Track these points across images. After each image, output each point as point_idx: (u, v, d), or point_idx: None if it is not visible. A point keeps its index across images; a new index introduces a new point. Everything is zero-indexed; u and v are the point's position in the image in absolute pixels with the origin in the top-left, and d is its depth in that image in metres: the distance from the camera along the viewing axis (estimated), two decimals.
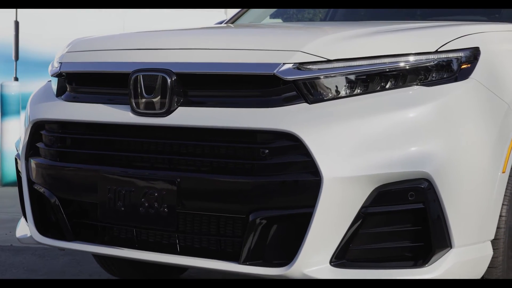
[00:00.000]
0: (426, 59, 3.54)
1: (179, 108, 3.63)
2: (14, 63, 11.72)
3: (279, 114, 3.45)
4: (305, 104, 3.47)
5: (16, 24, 11.39)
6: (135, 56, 3.80)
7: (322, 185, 3.34)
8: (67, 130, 3.93)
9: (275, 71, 3.47)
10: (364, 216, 3.38)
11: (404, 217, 3.41)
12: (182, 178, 3.55)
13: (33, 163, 4.02)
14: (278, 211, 3.42)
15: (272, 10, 6.02)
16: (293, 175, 3.40)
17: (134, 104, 3.69)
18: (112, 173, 3.72)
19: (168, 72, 3.64)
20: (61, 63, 4.08)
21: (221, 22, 5.63)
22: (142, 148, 3.72)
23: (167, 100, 3.62)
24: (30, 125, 4.05)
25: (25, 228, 4.17)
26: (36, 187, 4.05)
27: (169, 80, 3.63)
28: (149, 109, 3.66)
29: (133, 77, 3.70)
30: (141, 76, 3.69)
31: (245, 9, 5.62)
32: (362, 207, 3.38)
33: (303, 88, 3.47)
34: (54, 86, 4.15)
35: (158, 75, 3.65)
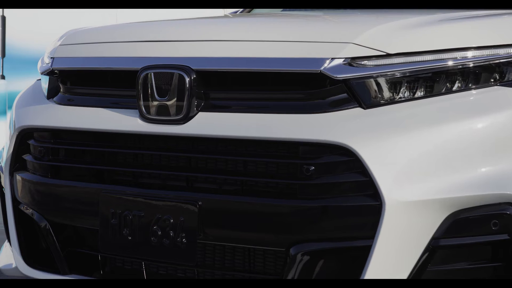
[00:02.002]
0: (506, 54, 2.84)
1: (200, 113, 2.93)
2: (1, 60, 10.98)
3: (326, 121, 2.76)
4: (358, 109, 2.78)
5: (3, 18, 10.66)
6: (144, 50, 3.11)
7: (383, 211, 2.66)
8: (60, 140, 3.25)
9: (321, 68, 2.78)
10: (434, 250, 2.71)
11: (485, 251, 2.72)
12: (204, 200, 2.86)
13: (19, 178, 3.33)
14: (327, 243, 2.75)
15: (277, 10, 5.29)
16: (345, 198, 2.73)
17: (143, 108, 3.00)
18: (116, 193, 3.04)
19: (186, 69, 2.94)
20: (52, 58, 3.37)
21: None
22: (154, 163, 3.04)
23: (184, 103, 2.93)
24: (16, 133, 3.35)
25: (9, 256, 3.47)
26: (22, 208, 3.36)
27: (187, 79, 2.93)
28: (162, 115, 2.97)
29: (142, 76, 3.01)
30: (152, 74, 2.99)
31: (248, 9, 4.87)
32: (433, 238, 2.70)
33: (356, 89, 2.78)
34: (45, 85, 3.45)
35: (173, 73, 2.96)
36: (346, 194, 2.72)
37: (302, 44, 2.87)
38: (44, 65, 3.46)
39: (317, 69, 2.79)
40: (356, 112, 2.78)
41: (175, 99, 2.96)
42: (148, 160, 3.07)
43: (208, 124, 2.92)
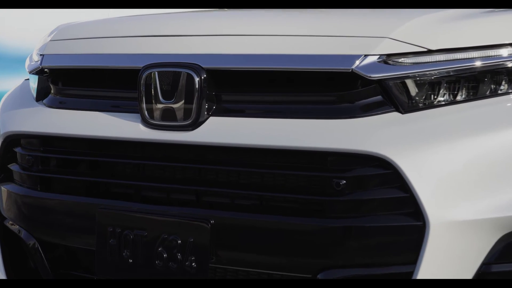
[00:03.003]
0: None
1: (211, 118, 2.56)
2: None
3: (359, 128, 2.39)
4: (395, 114, 2.42)
5: None
6: (147, 46, 2.73)
7: (426, 232, 2.31)
8: (51, 148, 2.88)
9: (353, 67, 2.41)
10: (485, 277, 2.33)
11: None
12: (217, 218, 2.49)
13: (4, 191, 2.97)
14: (360, 270, 2.39)
15: None
16: (382, 218, 2.36)
17: (146, 112, 2.62)
18: (116, 209, 2.67)
19: (195, 68, 2.57)
20: (42, 55, 2.99)
21: None
22: (158, 175, 2.67)
23: (193, 107, 2.55)
24: (0, 140, 2.97)
25: None
26: (8, 224, 2.99)
27: (196, 79, 2.55)
28: (167, 120, 2.59)
29: (144, 75, 2.63)
30: (156, 73, 2.62)
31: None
32: (483, 263, 2.35)
33: (393, 90, 2.42)
34: (33, 86, 3.07)
35: (180, 72, 2.59)
36: (383, 212, 2.36)
37: (330, 39, 2.50)
38: (32, 63, 3.08)
39: (348, 68, 2.42)
40: (393, 117, 2.42)
41: (183, 102, 2.58)
42: (151, 171, 2.69)
43: (221, 130, 2.55)
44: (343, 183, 2.37)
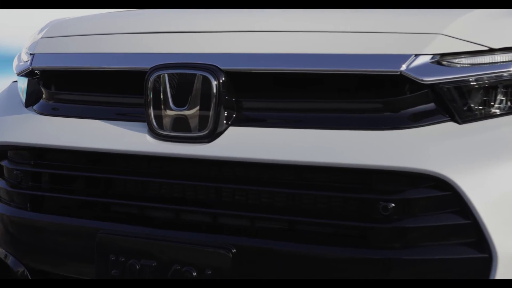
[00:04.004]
0: None
1: (231, 128, 2.19)
2: None
3: (409, 140, 2.02)
4: (451, 124, 2.05)
5: None
6: (155, 43, 2.35)
7: (494, 266, 1.96)
8: (43, 162, 2.51)
9: (402, 69, 2.03)
10: None
11: None
12: (240, 246, 2.12)
13: None
14: None
15: None
16: (438, 249, 2.00)
17: (154, 121, 2.25)
18: (119, 234, 2.31)
19: (213, 70, 2.19)
20: (32, 54, 2.60)
21: None
22: (169, 194, 2.29)
23: (210, 115, 2.18)
24: None
25: None
26: None
27: (214, 83, 2.18)
28: (179, 130, 2.22)
29: (152, 77, 2.25)
30: (166, 75, 2.24)
31: None
32: None
33: (449, 96, 2.05)
34: (22, 89, 2.68)
35: (195, 74, 2.21)
36: (439, 242, 1.99)
37: (373, 36, 2.12)
38: (21, 63, 2.70)
39: (396, 70, 2.04)
40: (449, 128, 2.05)
41: (197, 109, 2.21)
42: (160, 190, 2.32)
43: (242, 143, 2.18)
44: (391, 207, 2.00)
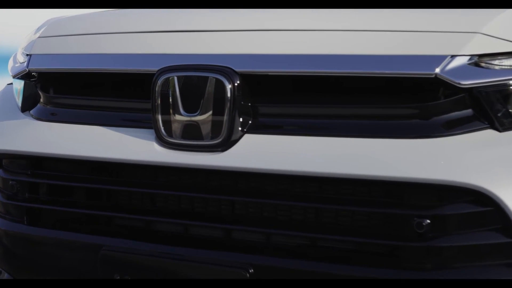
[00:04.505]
0: None
1: (246, 136, 2.01)
2: None
3: (445, 150, 1.84)
4: (491, 132, 1.87)
5: None
6: (163, 43, 2.17)
7: None
8: (40, 171, 2.33)
9: (437, 71, 1.85)
10: None
11: None
12: (258, 267, 1.94)
13: None
14: None
15: None
16: (478, 270, 1.81)
17: (162, 128, 2.06)
18: (124, 251, 2.12)
19: (227, 72, 2.01)
20: (29, 55, 2.41)
21: None
22: (177, 208, 2.11)
23: (224, 121, 1.99)
24: None
25: None
26: None
27: (228, 86, 1.99)
28: (190, 138, 2.04)
29: (160, 81, 2.07)
30: (175, 78, 2.06)
31: None
32: None
33: (488, 101, 1.86)
34: (18, 93, 2.47)
35: (207, 77, 2.03)
36: (479, 263, 1.80)
37: (404, 35, 1.93)
38: (17, 65, 2.51)
39: (430, 73, 1.86)
40: (488, 136, 1.86)
41: (210, 115, 2.02)
42: (168, 203, 2.13)
43: (259, 152, 1.99)
44: (426, 223, 1.81)
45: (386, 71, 1.90)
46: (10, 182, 2.35)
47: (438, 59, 1.86)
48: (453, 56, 1.86)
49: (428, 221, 1.81)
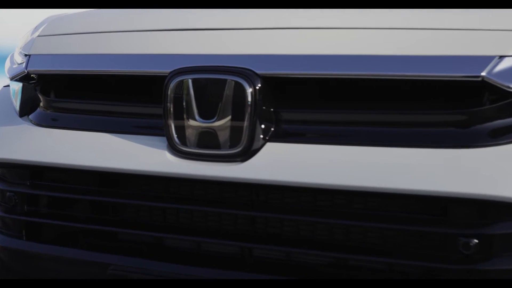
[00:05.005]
0: None
1: (268, 145, 1.82)
2: None
3: (492, 161, 1.65)
4: None
5: None
6: (176, 43, 1.98)
7: None
8: (40, 182, 2.13)
9: (484, 73, 1.65)
10: None
11: None
12: None
13: None
14: None
15: None
16: None
17: (175, 135, 1.88)
18: (131, 270, 1.94)
19: (247, 74, 1.82)
20: (28, 55, 2.22)
21: None
22: (191, 224, 1.92)
23: (244, 129, 1.81)
24: None
25: None
26: None
27: (248, 90, 1.80)
28: (205, 147, 1.85)
29: (173, 83, 1.88)
30: (189, 81, 1.87)
31: None
32: None
33: None
34: (16, 96, 2.27)
35: (225, 80, 1.84)
36: None
37: (447, 34, 1.75)
38: (14, 66, 2.32)
39: (477, 75, 1.67)
40: None
41: (229, 121, 1.84)
42: (181, 218, 1.94)
43: (282, 163, 1.80)
44: (474, 244, 1.62)
45: (426, 74, 1.71)
46: (8, 193, 2.15)
47: (485, 60, 1.67)
48: (501, 57, 1.67)
49: (476, 241, 1.62)
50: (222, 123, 1.85)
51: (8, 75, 2.35)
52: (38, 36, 2.27)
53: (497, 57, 1.67)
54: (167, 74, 1.91)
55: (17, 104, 2.31)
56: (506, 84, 1.66)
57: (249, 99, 1.82)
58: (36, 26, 2.40)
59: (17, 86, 2.32)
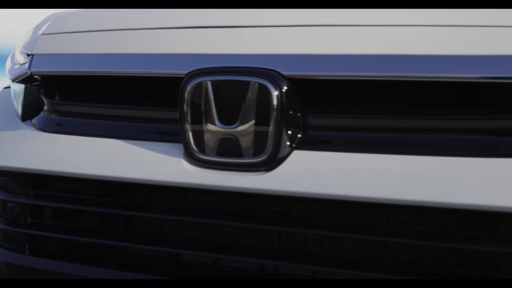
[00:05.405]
0: None
1: (296, 153, 1.67)
2: None
3: None
4: None
5: None
6: (193, 42, 1.81)
7: None
8: (45, 192, 1.97)
9: None
10: None
11: None
12: None
13: None
14: None
15: None
16: None
17: (192, 142, 1.72)
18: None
19: (273, 76, 1.66)
20: (31, 55, 2.06)
21: None
22: (210, 239, 1.76)
23: (270, 135, 1.65)
24: None
25: None
26: None
27: (274, 93, 1.64)
28: (226, 155, 1.70)
29: (190, 86, 1.72)
30: (208, 83, 1.70)
31: None
32: None
33: None
34: (18, 99, 2.12)
35: (248, 82, 1.68)
36: None
37: (484, 30, 1.58)
38: (16, 66, 2.16)
39: None
40: None
41: (252, 127, 1.68)
42: (198, 233, 1.78)
43: (312, 172, 1.64)
44: None
45: (473, 75, 1.55)
46: (9, 204, 2.00)
47: None
48: None
49: None
50: (244, 128, 1.69)
51: (9, 76, 2.19)
52: (42, 34, 2.11)
53: None
54: (183, 76, 1.75)
55: (19, 107, 2.15)
56: None
57: (275, 102, 1.66)
58: (39, 24, 2.25)
59: (18, 88, 2.17)
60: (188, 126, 1.73)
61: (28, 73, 2.05)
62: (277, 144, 1.66)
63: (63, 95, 2.05)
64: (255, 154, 1.68)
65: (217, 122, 1.71)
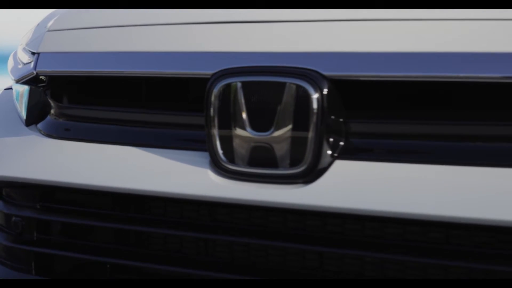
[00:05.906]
0: None
1: (338, 163, 1.49)
2: None
3: None
4: None
5: None
6: (220, 38, 1.62)
7: None
8: (53, 205, 1.78)
9: None
10: None
11: None
12: None
13: None
14: None
15: None
16: None
17: (220, 151, 1.54)
18: None
19: (312, 77, 1.48)
20: (37, 54, 1.88)
21: None
22: (240, 260, 1.57)
23: (309, 143, 1.47)
24: None
25: None
26: None
27: (314, 96, 1.46)
28: (260, 165, 1.52)
29: (217, 88, 1.54)
30: (238, 84, 1.52)
31: None
32: None
33: None
34: (21, 102, 1.93)
35: (284, 84, 1.50)
36: None
37: None
38: (20, 66, 1.97)
39: None
40: None
41: (289, 134, 1.48)
42: (228, 253, 1.59)
43: (357, 185, 1.45)
44: None
45: None
46: (14, 218, 1.81)
47: None
48: None
49: None
50: (279, 135, 1.50)
51: (12, 77, 2.00)
52: (48, 30, 1.92)
53: None
54: (209, 76, 1.56)
55: (22, 110, 1.96)
56: None
57: (315, 106, 1.47)
58: (44, 19, 2.06)
59: (21, 89, 1.98)
60: (215, 132, 1.55)
61: (34, 74, 1.87)
62: (317, 153, 1.47)
63: (72, 98, 1.87)
64: (292, 165, 1.49)
65: (248, 128, 1.52)
